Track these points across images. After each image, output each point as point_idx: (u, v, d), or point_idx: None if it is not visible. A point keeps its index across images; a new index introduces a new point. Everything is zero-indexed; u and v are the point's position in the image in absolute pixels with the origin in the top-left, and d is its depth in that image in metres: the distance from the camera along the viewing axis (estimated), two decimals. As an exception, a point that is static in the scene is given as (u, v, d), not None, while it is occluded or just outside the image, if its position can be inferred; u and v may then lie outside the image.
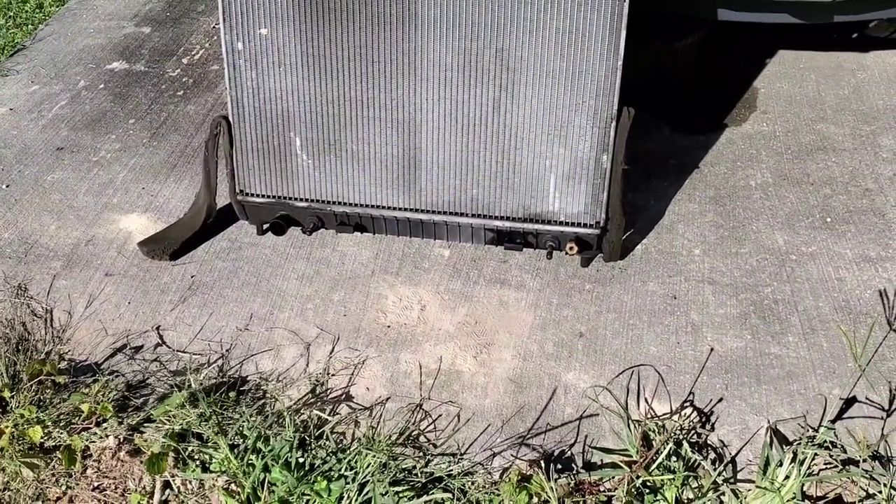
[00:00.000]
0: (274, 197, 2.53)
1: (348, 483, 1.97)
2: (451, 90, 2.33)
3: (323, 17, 2.30)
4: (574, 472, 2.00)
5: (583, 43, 2.22)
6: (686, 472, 1.94)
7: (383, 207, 2.49)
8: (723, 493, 1.93)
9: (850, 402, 2.12)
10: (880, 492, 1.90)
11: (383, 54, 2.31)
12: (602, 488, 1.97)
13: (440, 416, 2.16)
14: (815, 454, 1.95)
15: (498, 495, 1.94)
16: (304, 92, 2.40)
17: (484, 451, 2.07)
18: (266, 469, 2.00)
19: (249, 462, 2.01)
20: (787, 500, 1.87)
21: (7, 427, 2.08)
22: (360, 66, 2.34)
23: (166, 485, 2.06)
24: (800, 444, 1.98)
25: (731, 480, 1.97)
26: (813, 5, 2.72)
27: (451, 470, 2.01)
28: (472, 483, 1.98)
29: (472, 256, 2.59)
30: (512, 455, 2.04)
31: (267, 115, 2.44)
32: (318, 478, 1.98)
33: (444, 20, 2.25)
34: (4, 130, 3.23)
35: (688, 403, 2.14)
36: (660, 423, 2.08)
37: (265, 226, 2.60)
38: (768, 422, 2.08)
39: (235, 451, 2.03)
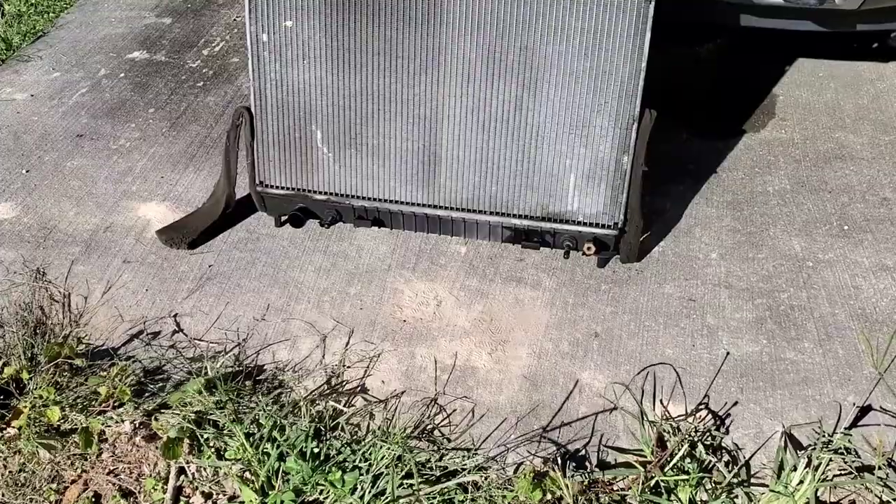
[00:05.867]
0: (293, 189, 2.54)
1: (362, 474, 1.98)
2: (473, 87, 2.33)
3: (348, 11, 2.31)
4: (588, 470, 2.00)
5: (607, 43, 2.23)
6: (700, 474, 1.94)
7: (402, 203, 2.50)
8: (736, 496, 1.93)
9: (865, 409, 2.12)
10: (895, 499, 1.90)
11: (407, 49, 2.32)
12: (616, 487, 1.98)
13: (455, 411, 2.17)
14: (830, 460, 1.95)
15: (512, 491, 1.94)
16: (327, 85, 2.41)
17: (498, 446, 2.08)
18: (281, 458, 2.01)
19: (265, 451, 2.02)
20: (801, 505, 1.87)
21: (25, 408, 2.09)
22: (383, 61, 2.35)
23: (181, 471, 2.07)
24: (814, 449, 1.98)
25: (745, 483, 1.97)
26: (837, 13, 2.73)
27: (466, 464, 2.01)
28: (486, 478, 1.99)
29: (489, 254, 2.60)
30: (527, 451, 2.05)
31: (289, 107, 2.45)
32: (333, 468, 1.99)
33: (469, 17, 2.26)
34: (25, 116, 3.25)
35: (703, 406, 2.15)
36: (675, 424, 2.08)
37: (283, 217, 2.61)
38: (783, 426, 2.08)
39: (251, 439, 2.04)
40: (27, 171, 2.98)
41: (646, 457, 2.01)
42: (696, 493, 1.93)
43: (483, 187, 2.43)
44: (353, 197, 2.51)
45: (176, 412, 2.11)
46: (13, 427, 2.10)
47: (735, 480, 1.95)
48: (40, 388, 2.13)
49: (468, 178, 2.43)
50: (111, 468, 2.11)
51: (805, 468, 1.92)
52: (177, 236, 2.63)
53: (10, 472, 2.10)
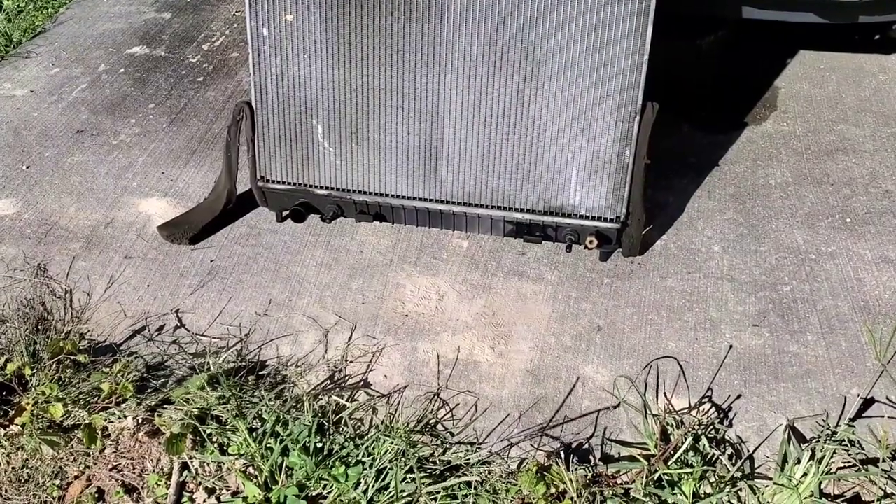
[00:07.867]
0: (294, 184, 2.53)
1: (366, 469, 1.97)
2: (475, 81, 2.32)
3: (349, 5, 2.30)
4: (592, 464, 2.00)
5: (609, 36, 2.22)
6: (704, 467, 1.94)
7: (403, 197, 2.49)
8: (740, 489, 1.93)
9: (868, 401, 2.11)
10: (898, 491, 1.90)
11: (409, 43, 2.31)
12: (620, 481, 1.97)
13: (457, 405, 2.17)
14: (834, 452, 1.94)
15: (515, 485, 1.94)
16: (328, 79, 2.40)
17: (501, 441, 2.08)
18: (284, 453, 2.01)
19: (268, 445, 2.02)
20: (805, 498, 1.87)
21: (28, 404, 2.09)
22: (384, 55, 2.34)
23: (184, 466, 2.07)
24: (818, 441, 1.98)
25: (749, 476, 1.97)
26: (839, 5, 2.71)
27: (469, 459, 2.01)
28: (490, 472, 1.99)
29: (491, 248, 2.59)
30: (531, 445, 2.05)
31: (290, 101, 2.44)
32: (336, 463, 1.99)
33: (471, 10, 2.25)
34: (25, 112, 3.24)
35: (706, 399, 2.14)
36: (678, 417, 2.08)
37: (285, 212, 2.60)
38: (786, 419, 2.08)
39: (254, 434, 2.04)
40: (27, 167, 2.97)
41: (649, 450, 2.00)
42: (699, 487, 1.92)
43: (485, 181, 2.42)
44: (354, 191, 2.51)
45: (179, 408, 2.11)
46: (16, 424, 2.10)
47: (739, 473, 1.95)
48: (43, 384, 2.13)
49: (470, 172, 2.42)
50: (114, 464, 2.11)
51: (809, 461, 1.91)
52: (178, 232, 2.63)
53: (13, 468, 2.10)
